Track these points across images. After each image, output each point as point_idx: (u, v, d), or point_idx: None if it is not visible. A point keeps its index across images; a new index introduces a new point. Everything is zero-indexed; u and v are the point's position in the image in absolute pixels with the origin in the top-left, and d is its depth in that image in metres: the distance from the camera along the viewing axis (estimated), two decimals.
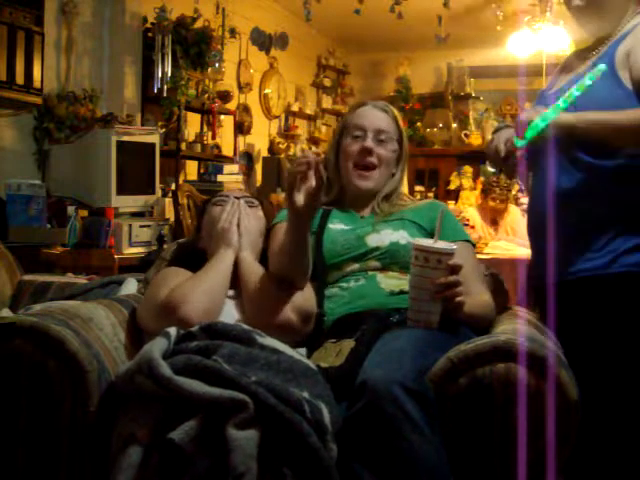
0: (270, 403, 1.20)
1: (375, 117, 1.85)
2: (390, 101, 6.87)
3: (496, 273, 1.94)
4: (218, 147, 5.31)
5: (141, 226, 3.59)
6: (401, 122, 1.91)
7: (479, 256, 3.41)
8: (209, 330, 1.42)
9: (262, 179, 6.18)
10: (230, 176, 4.63)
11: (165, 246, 2.90)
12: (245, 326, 1.46)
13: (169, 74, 4.37)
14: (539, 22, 5.28)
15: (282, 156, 6.21)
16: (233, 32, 5.16)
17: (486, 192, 4.77)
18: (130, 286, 2.05)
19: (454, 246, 1.49)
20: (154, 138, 3.95)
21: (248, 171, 5.98)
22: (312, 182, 1.46)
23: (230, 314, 1.61)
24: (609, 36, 1.72)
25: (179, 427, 1.19)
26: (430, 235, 1.73)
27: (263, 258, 1.75)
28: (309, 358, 1.52)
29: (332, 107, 7.60)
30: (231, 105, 5.61)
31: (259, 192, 5.65)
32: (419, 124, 7.63)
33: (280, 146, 6.38)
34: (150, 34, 4.49)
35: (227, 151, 5.45)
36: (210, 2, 4.98)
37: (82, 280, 2.49)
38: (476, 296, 1.65)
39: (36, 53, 3.43)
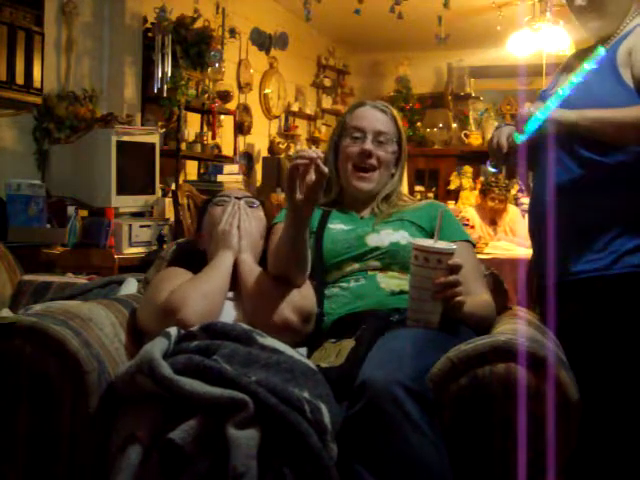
0: (270, 403, 1.20)
1: (374, 118, 1.85)
2: (390, 101, 6.91)
3: (496, 273, 1.94)
4: (218, 147, 5.31)
5: (141, 226, 3.58)
6: (400, 122, 1.91)
7: (479, 256, 3.41)
8: (209, 330, 1.42)
9: (262, 179, 6.18)
10: (230, 176, 4.63)
11: (165, 246, 2.90)
12: (245, 326, 1.46)
13: (169, 74, 4.36)
14: (539, 22, 5.28)
15: (282, 156, 6.20)
16: (233, 32, 5.16)
17: (485, 192, 4.77)
18: (130, 286, 2.05)
19: (454, 246, 1.49)
20: (154, 138, 3.94)
21: (248, 171, 5.98)
22: (312, 176, 1.46)
23: (229, 315, 1.61)
24: (611, 36, 1.72)
25: (179, 427, 1.19)
26: (429, 235, 1.73)
27: (263, 259, 1.75)
28: (309, 358, 1.52)
29: (332, 107, 7.59)
30: (231, 105, 5.61)
31: (259, 192, 5.65)
32: (419, 124, 7.63)
33: (280, 146, 6.38)
34: (150, 34, 4.49)
35: (227, 151, 5.45)
36: (210, 2, 4.98)
37: (82, 280, 2.49)
38: (476, 296, 1.65)
39: (36, 53, 3.42)
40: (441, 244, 1.48)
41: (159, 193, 4.04)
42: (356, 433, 1.26)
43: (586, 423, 1.35)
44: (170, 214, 3.95)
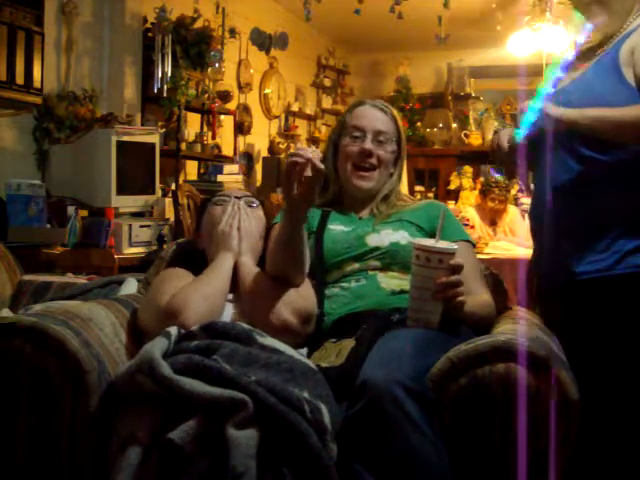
0: (270, 403, 1.20)
1: (374, 117, 1.85)
2: (390, 101, 6.90)
3: (496, 273, 1.94)
4: (218, 147, 5.31)
5: (141, 226, 3.58)
6: (400, 121, 1.91)
7: (479, 256, 3.41)
8: (209, 330, 1.42)
9: (262, 179, 6.18)
10: (230, 176, 4.63)
11: (165, 246, 2.90)
12: (245, 326, 1.46)
13: (169, 74, 4.36)
14: (539, 22, 5.28)
15: (282, 156, 6.20)
16: (233, 32, 5.16)
17: (485, 192, 4.77)
18: (130, 286, 2.05)
19: (455, 246, 1.49)
20: (154, 138, 3.94)
21: (248, 171, 5.98)
22: (309, 172, 1.46)
23: (229, 317, 1.61)
24: (614, 34, 1.72)
25: (178, 427, 1.19)
26: (429, 235, 1.73)
27: (263, 259, 1.75)
28: (309, 358, 1.52)
29: (332, 107, 7.59)
30: (231, 105, 5.61)
31: (259, 192, 5.65)
32: (419, 124, 7.63)
33: (280, 146, 6.38)
34: (150, 34, 4.49)
35: (227, 151, 5.45)
36: (210, 2, 4.98)
37: (82, 280, 2.49)
38: (476, 296, 1.65)
39: (36, 53, 3.42)
40: (443, 244, 1.48)
41: (159, 193, 4.04)
42: (356, 433, 1.26)
43: (586, 423, 1.35)
44: (170, 214, 3.95)
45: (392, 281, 1.71)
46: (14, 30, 3.30)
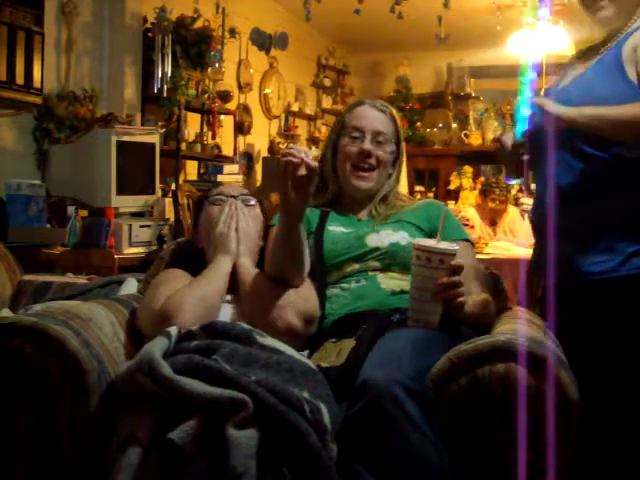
0: (270, 403, 1.20)
1: (373, 118, 1.85)
2: (390, 101, 6.89)
3: (496, 273, 1.94)
4: (218, 147, 5.31)
5: (141, 226, 3.58)
6: (399, 121, 1.91)
7: (479, 256, 3.41)
8: (209, 330, 1.42)
9: (262, 179, 6.17)
10: (230, 176, 4.63)
11: (165, 246, 2.90)
12: (245, 325, 1.46)
13: (169, 74, 4.36)
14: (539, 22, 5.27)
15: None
16: (233, 32, 5.16)
17: (485, 193, 4.77)
18: (130, 286, 2.05)
19: (456, 246, 1.49)
20: (154, 138, 3.94)
21: (248, 171, 5.98)
22: (303, 171, 1.46)
23: (228, 318, 1.61)
24: (618, 32, 1.72)
25: (178, 427, 1.19)
26: (428, 235, 1.73)
27: (261, 258, 1.75)
28: (309, 358, 1.52)
29: (332, 107, 7.59)
30: (231, 105, 5.61)
31: (259, 192, 5.65)
32: (419, 124, 7.63)
33: (280, 146, 6.37)
34: (150, 34, 4.49)
35: (227, 151, 5.45)
36: (210, 2, 4.98)
37: (82, 280, 2.49)
38: (476, 296, 1.65)
39: (36, 53, 3.42)
40: (443, 244, 1.48)
41: (159, 193, 4.04)
42: (356, 433, 1.26)
43: (586, 423, 1.35)
44: (170, 214, 3.95)
45: (392, 282, 1.71)
46: (14, 30, 3.30)
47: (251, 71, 6.12)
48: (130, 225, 3.51)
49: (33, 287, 2.41)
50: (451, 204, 6.18)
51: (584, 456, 1.52)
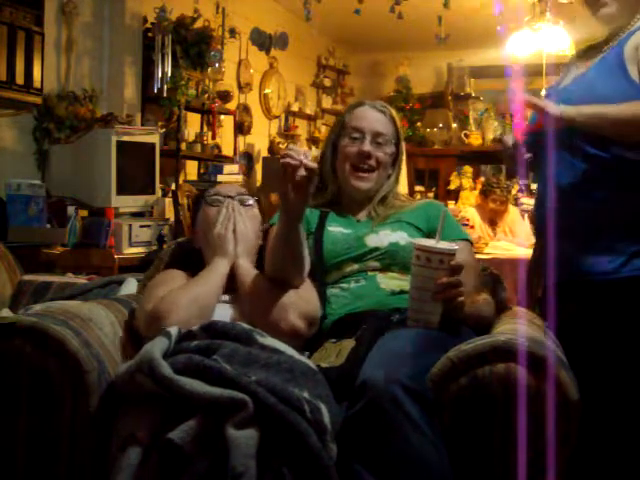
0: (270, 403, 1.20)
1: (373, 119, 1.84)
2: (390, 101, 6.90)
3: (496, 273, 1.94)
4: (218, 147, 5.30)
5: (141, 226, 3.59)
6: (399, 122, 1.91)
7: (479, 256, 3.41)
8: (210, 329, 1.42)
9: (262, 179, 6.17)
10: (230, 176, 4.63)
11: (165, 246, 2.90)
12: (246, 326, 1.46)
13: (169, 74, 4.36)
14: (539, 22, 5.28)
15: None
16: (233, 32, 5.15)
17: (486, 193, 4.77)
18: (130, 286, 2.05)
19: (456, 246, 1.49)
20: (154, 138, 3.94)
21: (248, 171, 5.98)
22: (302, 172, 1.46)
23: (228, 318, 1.60)
24: (620, 30, 1.71)
25: (178, 427, 1.19)
26: (426, 235, 1.73)
27: (260, 257, 1.74)
28: (309, 358, 1.52)
29: (332, 107, 7.59)
30: (231, 105, 5.61)
31: (259, 192, 5.65)
32: (419, 124, 7.63)
33: (280, 146, 6.37)
34: (150, 34, 4.49)
35: (227, 151, 5.44)
36: (210, 2, 4.97)
37: (82, 280, 2.49)
38: (476, 296, 1.65)
39: (36, 53, 3.42)
40: (443, 244, 1.48)
41: (159, 193, 4.04)
42: (356, 433, 1.26)
43: (586, 423, 1.35)
44: (170, 214, 3.95)
45: (392, 282, 1.71)
46: (14, 30, 3.30)
47: (251, 71, 6.12)
48: (130, 225, 3.51)
49: (33, 287, 2.41)
50: (451, 204, 6.18)
51: (584, 456, 1.52)
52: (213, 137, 5.21)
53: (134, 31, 4.49)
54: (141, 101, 4.57)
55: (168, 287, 1.62)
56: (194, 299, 1.57)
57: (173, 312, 1.52)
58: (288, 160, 1.45)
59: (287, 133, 6.71)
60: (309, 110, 7.16)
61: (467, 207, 5.37)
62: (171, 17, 4.42)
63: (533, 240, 1.92)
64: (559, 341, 1.51)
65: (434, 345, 1.41)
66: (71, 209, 3.41)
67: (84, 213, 3.54)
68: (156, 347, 1.32)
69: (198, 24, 4.68)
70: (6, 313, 1.79)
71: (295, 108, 6.90)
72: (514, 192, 4.95)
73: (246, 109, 6.11)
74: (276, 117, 6.67)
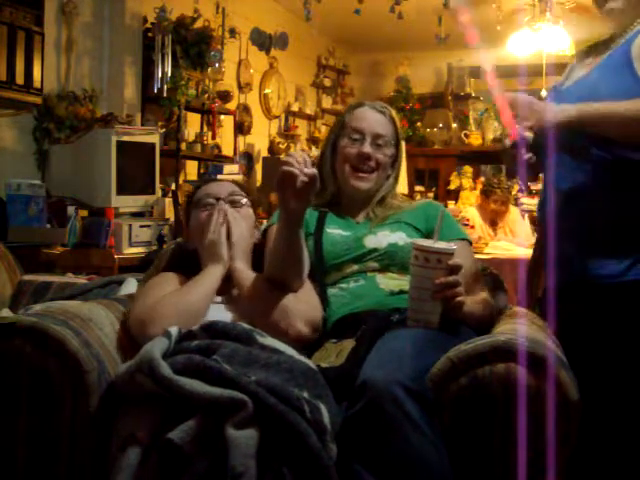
0: (270, 403, 1.20)
1: (373, 120, 1.84)
2: (390, 101, 6.90)
3: (496, 273, 1.94)
4: (218, 147, 5.30)
5: (141, 226, 3.59)
6: (399, 123, 1.91)
7: (479, 256, 3.42)
8: (210, 329, 1.42)
9: (262, 179, 6.18)
10: (230, 176, 4.62)
11: (165, 246, 2.90)
12: (246, 325, 1.45)
13: (169, 74, 4.36)
14: (539, 22, 5.28)
15: (282, 156, 6.20)
16: (233, 32, 5.15)
17: (487, 193, 4.77)
18: (130, 286, 2.05)
19: (454, 246, 1.49)
20: (154, 138, 3.94)
21: (248, 171, 5.98)
22: (303, 178, 1.46)
23: (228, 319, 1.60)
24: (626, 28, 1.71)
25: (178, 427, 1.19)
26: (425, 236, 1.73)
27: (259, 258, 1.74)
28: (310, 358, 1.52)
29: (332, 107, 7.59)
30: (231, 105, 5.61)
31: (259, 192, 5.65)
32: (419, 124, 7.63)
33: (280, 146, 6.37)
34: (150, 34, 4.49)
35: (227, 151, 5.45)
36: (210, 2, 4.98)
37: (82, 280, 2.49)
38: (475, 296, 1.65)
39: (36, 53, 3.42)
40: (441, 244, 1.48)
41: (159, 193, 4.04)
42: (356, 433, 1.26)
43: (586, 423, 1.34)
44: (170, 214, 3.95)
45: (391, 282, 1.71)
46: (14, 30, 3.30)
47: (251, 71, 6.12)
48: (130, 225, 3.51)
49: (33, 287, 2.41)
50: (451, 204, 6.19)
51: (584, 456, 1.52)
52: (213, 137, 5.21)
53: (134, 31, 4.49)
54: (141, 101, 4.58)
55: (161, 291, 1.62)
56: (183, 310, 1.55)
57: (157, 322, 1.51)
58: (287, 169, 1.45)
59: (287, 133, 6.72)
60: (309, 110, 7.16)
61: (468, 207, 5.37)
62: (171, 17, 4.43)
63: (533, 240, 1.91)
64: (559, 341, 1.51)
65: (434, 345, 1.40)
66: (71, 209, 3.41)
67: (84, 213, 3.54)
68: (156, 347, 1.32)
69: (198, 24, 4.68)
70: (6, 313, 1.79)
71: (295, 108, 6.90)
72: (514, 192, 4.96)
73: (246, 109, 6.11)
74: (276, 117, 6.67)
